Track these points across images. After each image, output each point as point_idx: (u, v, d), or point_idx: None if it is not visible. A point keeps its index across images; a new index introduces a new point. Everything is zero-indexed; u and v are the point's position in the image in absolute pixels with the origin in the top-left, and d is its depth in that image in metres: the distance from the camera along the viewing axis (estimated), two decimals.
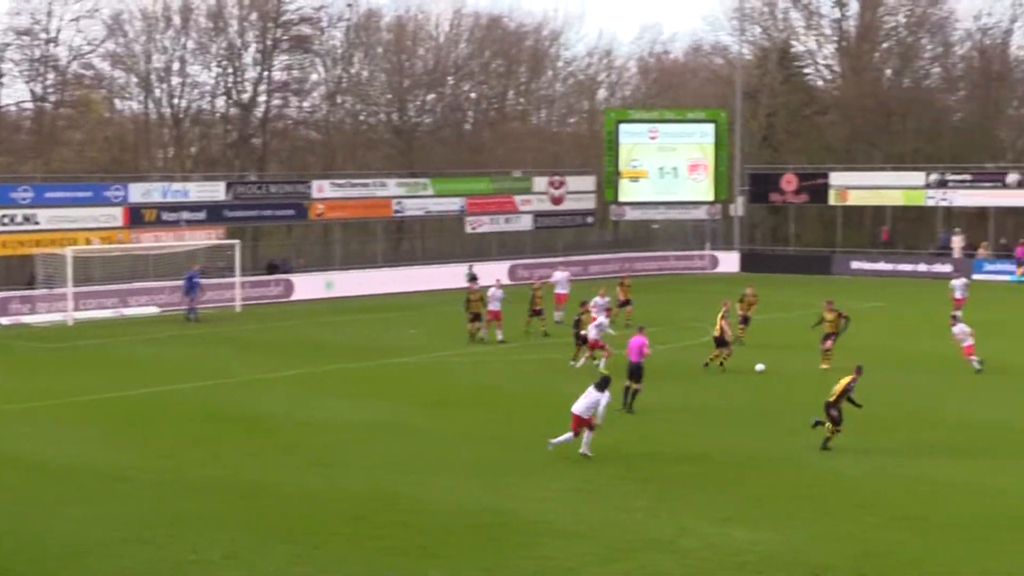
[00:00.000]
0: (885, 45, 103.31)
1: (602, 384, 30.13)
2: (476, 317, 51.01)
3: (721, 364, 42.81)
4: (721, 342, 43.02)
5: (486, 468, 28.99)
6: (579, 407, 29.73)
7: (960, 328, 42.70)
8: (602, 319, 43.83)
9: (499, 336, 50.85)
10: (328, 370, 44.49)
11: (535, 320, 52.64)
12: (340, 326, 58.11)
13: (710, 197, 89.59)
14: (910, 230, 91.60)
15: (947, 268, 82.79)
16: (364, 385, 41.25)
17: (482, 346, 49.67)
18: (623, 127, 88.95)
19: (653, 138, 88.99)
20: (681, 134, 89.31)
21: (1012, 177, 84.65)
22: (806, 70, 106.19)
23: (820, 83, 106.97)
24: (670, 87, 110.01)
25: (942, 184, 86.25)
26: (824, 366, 42.08)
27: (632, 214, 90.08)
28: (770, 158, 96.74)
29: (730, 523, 24.29)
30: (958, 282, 58.40)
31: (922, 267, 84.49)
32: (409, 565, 21.77)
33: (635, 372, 35.44)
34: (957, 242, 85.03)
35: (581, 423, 29.67)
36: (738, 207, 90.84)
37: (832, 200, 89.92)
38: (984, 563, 21.83)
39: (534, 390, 39.88)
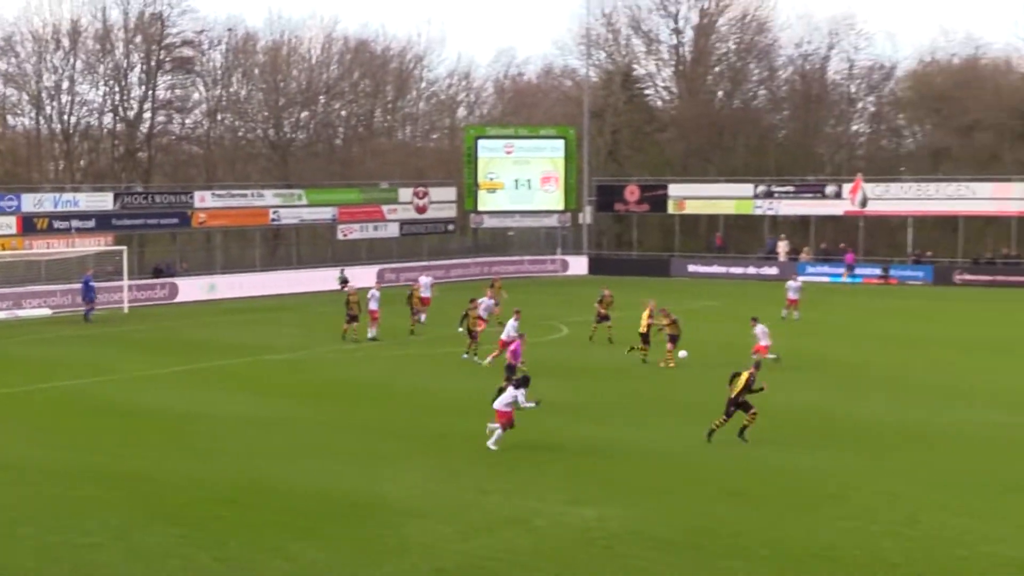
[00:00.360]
0: (717, 69, 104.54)
1: (520, 381, 30.11)
2: (353, 318, 50.49)
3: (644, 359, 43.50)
4: (646, 339, 43.64)
5: (357, 455, 28.95)
6: (499, 403, 29.59)
7: (760, 328, 42.88)
8: (512, 320, 42.57)
9: (371, 333, 50.68)
10: (210, 366, 44.13)
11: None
12: (221, 326, 57.64)
13: (561, 206, 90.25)
14: (741, 236, 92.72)
15: (774, 271, 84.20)
16: (243, 380, 40.97)
17: (355, 344, 49.49)
18: (481, 142, 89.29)
19: (509, 153, 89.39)
20: (534, 149, 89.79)
21: (830, 188, 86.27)
22: (647, 91, 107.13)
23: (659, 103, 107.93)
24: (524, 106, 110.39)
25: (769, 195, 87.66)
26: (663, 364, 42.56)
27: (490, 222, 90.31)
28: (615, 171, 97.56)
29: (579, 503, 24.48)
30: (793, 283, 59.38)
31: (751, 270, 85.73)
32: (285, 544, 21.73)
33: (511, 370, 35.27)
34: (782, 247, 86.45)
35: (502, 417, 29.46)
36: (586, 216, 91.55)
37: (671, 209, 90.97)
38: (795, 532, 22.29)
39: (401, 383, 39.89)
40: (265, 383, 40.31)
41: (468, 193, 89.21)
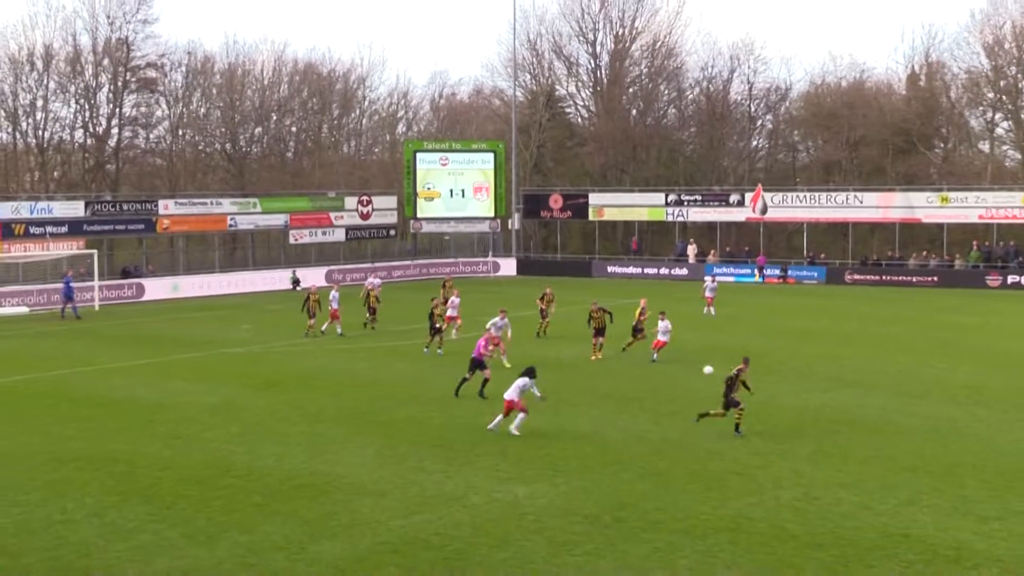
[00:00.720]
0: (631, 90, 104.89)
1: (528, 371, 29.60)
2: (313, 316, 50.18)
3: (625, 349, 43.43)
4: (637, 330, 43.64)
5: (310, 439, 28.83)
6: (509, 393, 29.19)
7: (664, 324, 42.13)
8: (498, 320, 41.27)
9: (338, 330, 50.36)
10: (175, 359, 43.81)
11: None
12: (185, 322, 57.22)
13: (491, 213, 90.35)
14: (654, 240, 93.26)
15: (684, 272, 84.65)
16: (206, 371, 40.70)
17: (309, 337, 49.22)
18: (419, 155, 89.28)
19: (444, 165, 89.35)
20: (467, 162, 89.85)
21: (734, 197, 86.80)
22: (568, 110, 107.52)
23: (579, 120, 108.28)
24: (457, 123, 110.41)
25: (679, 203, 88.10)
26: (594, 357, 42.63)
27: (428, 227, 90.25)
28: (540, 182, 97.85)
29: (512, 481, 24.52)
30: (710, 283, 59.74)
31: (664, 271, 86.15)
32: (245, 520, 21.65)
33: (477, 364, 34.82)
34: (691, 250, 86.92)
35: (511, 406, 29.10)
36: (514, 222, 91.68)
37: (591, 216, 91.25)
38: (705, 507, 22.46)
39: (351, 374, 39.78)
40: (225, 374, 40.03)
41: (408, 201, 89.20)
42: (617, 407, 32.60)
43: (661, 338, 42.03)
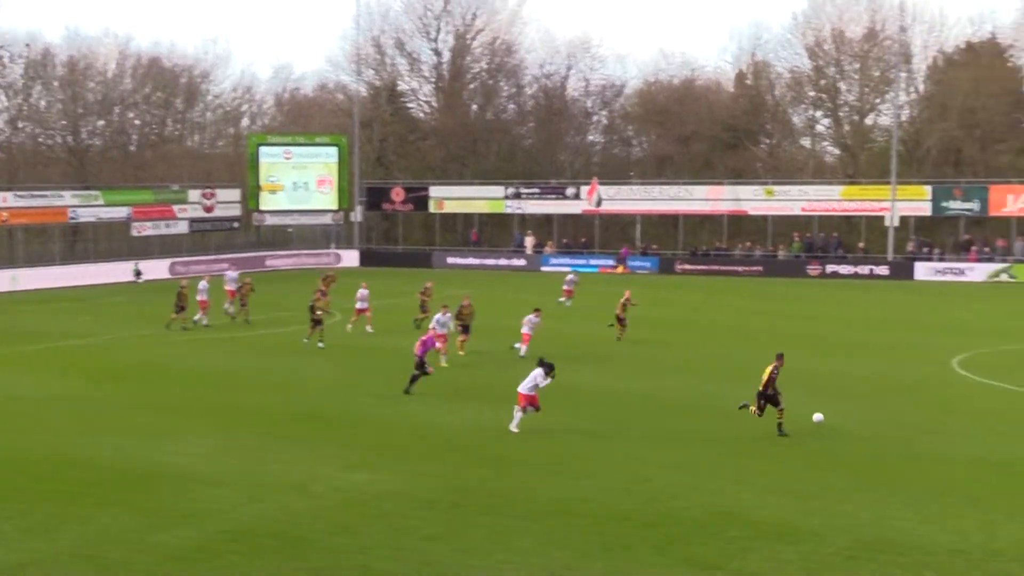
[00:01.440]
0: (472, 86, 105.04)
1: (546, 366, 28.10)
2: (182, 308, 48.57)
3: (618, 338, 44.31)
4: (621, 320, 44.68)
5: (152, 430, 28.24)
6: (524, 387, 27.95)
7: (529, 319, 41.03)
8: (440, 315, 39.46)
9: (204, 321, 49.26)
10: (14, 351, 42.55)
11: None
12: (24, 314, 55.68)
13: (335, 206, 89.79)
14: (493, 232, 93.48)
15: (522, 263, 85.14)
16: (44, 363, 39.60)
17: (172, 329, 48.07)
18: (263, 149, 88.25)
19: (288, 158, 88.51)
20: (310, 155, 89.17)
21: (570, 190, 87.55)
22: (410, 105, 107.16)
23: (421, 115, 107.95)
24: (301, 116, 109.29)
25: (517, 196, 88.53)
26: (461, 352, 41.85)
27: (271, 220, 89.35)
28: (382, 175, 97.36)
29: (352, 469, 24.34)
30: (571, 276, 60.16)
31: (503, 261, 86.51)
32: (84, 512, 21.09)
33: (422, 363, 33.48)
34: (529, 242, 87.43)
35: (528, 400, 27.88)
36: (357, 214, 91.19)
37: (432, 208, 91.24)
38: (543, 490, 22.56)
39: (195, 365, 39.12)
40: (64, 366, 39.03)
41: (251, 194, 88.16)
42: (463, 397, 32.53)
43: (526, 330, 40.73)
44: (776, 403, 27.31)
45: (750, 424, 28.41)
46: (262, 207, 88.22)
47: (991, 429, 28.39)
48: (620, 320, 45.10)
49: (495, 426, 28.67)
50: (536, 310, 41.58)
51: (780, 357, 27.81)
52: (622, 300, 45.45)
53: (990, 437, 27.49)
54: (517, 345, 40.41)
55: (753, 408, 27.64)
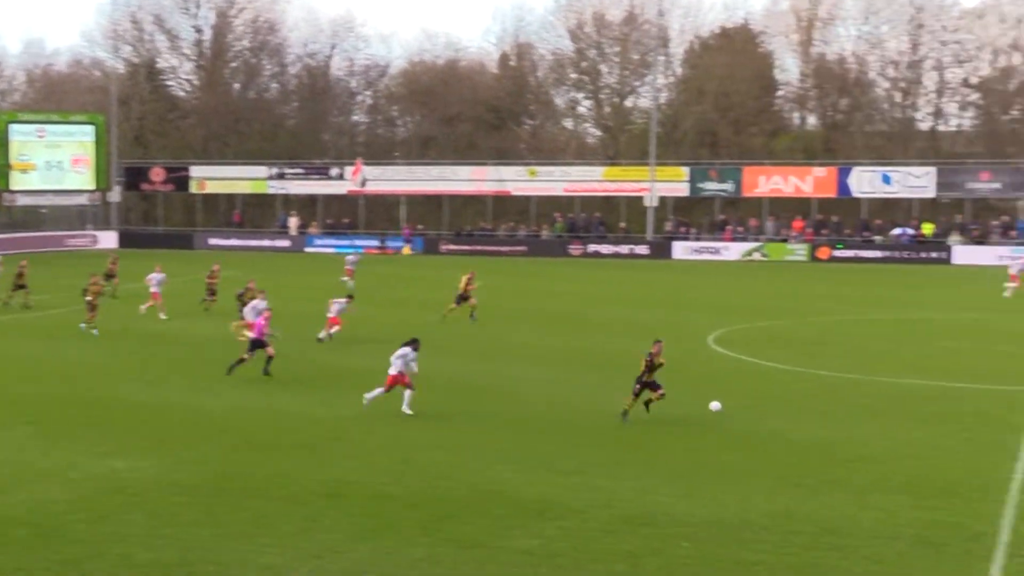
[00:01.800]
0: (234, 64, 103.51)
1: (411, 342, 27.87)
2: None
3: (472, 315, 44.75)
4: (463, 298, 44.82)
5: None
6: (393, 367, 27.39)
7: (338, 305, 39.93)
8: (256, 301, 37.98)
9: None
10: None
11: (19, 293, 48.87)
12: None
13: (91, 186, 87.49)
14: (257, 213, 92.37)
15: (286, 243, 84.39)
16: None
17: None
18: (13, 127, 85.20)
19: (41, 137, 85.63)
20: (65, 134, 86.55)
21: (334, 171, 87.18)
22: (169, 83, 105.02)
23: (182, 93, 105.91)
24: (55, 94, 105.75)
25: (281, 176, 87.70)
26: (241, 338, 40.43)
27: (24, 200, 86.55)
28: (141, 154, 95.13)
29: (111, 456, 23.63)
30: (351, 256, 59.56)
31: (267, 242, 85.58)
32: None
33: (258, 344, 32.69)
34: (294, 222, 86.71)
35: (396, 381, 27.39)
36: (115, 194, 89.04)
37: (193, 189, 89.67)
38: (307, 473, 22.37)
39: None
40: None
41: (1, 174, 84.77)
42: (233, 383, 31.90)
43: (332, 313, 39.70)
44: (655, 387, 26.79)
45: (518, 403, 28.74)
46: (13, 187, 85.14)
47: (746, 405, 29.31)
48: (465, 298, 45.06)
49: (257, 408, 28.32)
50: (261, 292, 40.70)
51: (657, 343, 27.19)
52: (465, 278, 45.42)
53: (746, 413, 28.36)
54: (322, 334, 39.47)
55: (630, 401, 26.96)
